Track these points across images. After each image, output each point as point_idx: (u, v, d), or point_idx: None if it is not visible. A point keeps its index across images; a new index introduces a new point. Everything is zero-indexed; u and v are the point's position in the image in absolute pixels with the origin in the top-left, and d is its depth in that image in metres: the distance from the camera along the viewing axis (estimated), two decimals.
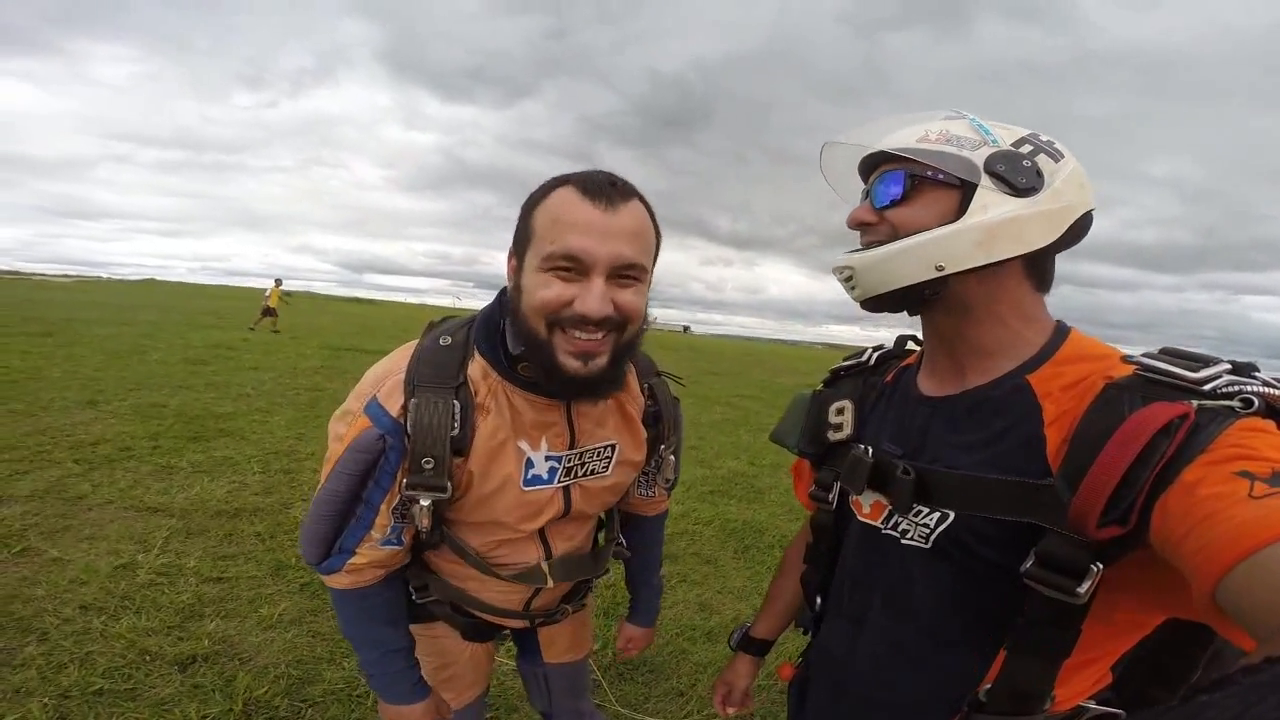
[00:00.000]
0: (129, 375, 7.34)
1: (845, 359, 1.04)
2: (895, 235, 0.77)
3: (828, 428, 0.96)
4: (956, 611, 0.78)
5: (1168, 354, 0.67)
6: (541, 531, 1.12)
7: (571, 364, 0.88)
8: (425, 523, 0.97)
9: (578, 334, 0.86)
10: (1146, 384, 0.64)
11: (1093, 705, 0.76)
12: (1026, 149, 0.74)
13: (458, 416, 0.94)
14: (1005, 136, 0.75)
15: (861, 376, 0.99)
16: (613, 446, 1.11)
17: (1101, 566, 0.62)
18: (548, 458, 1.04)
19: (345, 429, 0.97)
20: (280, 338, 13.21)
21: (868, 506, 0.88)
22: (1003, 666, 0.71)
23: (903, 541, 0.81)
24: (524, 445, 1.01)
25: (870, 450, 0.86)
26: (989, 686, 0.72)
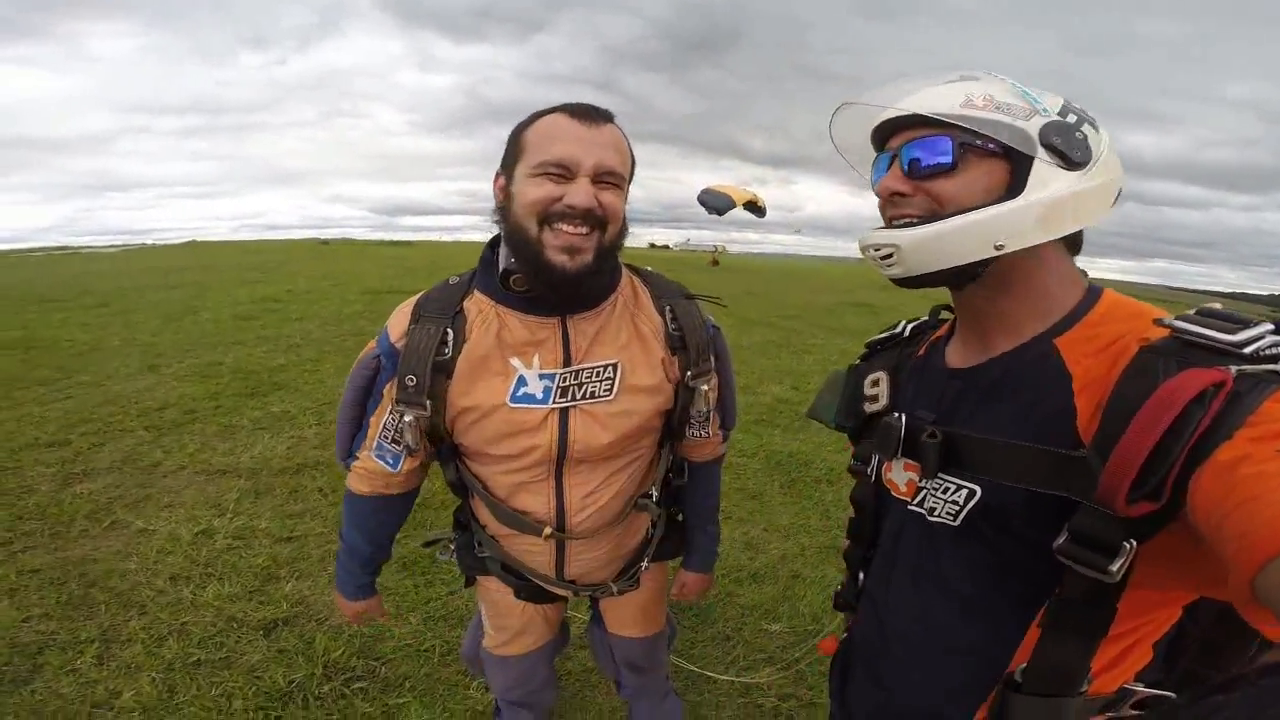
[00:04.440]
0: (183, 337, 7.62)
1: (880, 332, 1.03)
2: (935, 208, 0.73)
3: (864, 400, 0.95)
4: (985, 590, 0.77)
5: (1204, 314, 0.64)
6: (558, 476, 1.14)
7: (559, 258, 0.98)
8: (410, 439, 1.09)
9: (565, 227, 0.97)
10: (1183, 347, 0.61)
11: (1140, 687, 0.75)
12: (1072, 119, 0.72)
13: (450, 343, 1.06)
14: (1051, 103, 0.72)
15: (897, 349, 0.98)
16: (614, 366, 1.10)
17: (1135, 544, 0.60)
18: (541, 375, 1.08)
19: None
20: (322, 285, 13.47)
21: (902, 484, 0.87)
22: (1037, 645, 0.70)
23: (930, 519, 0.80)
24: (516, 362, 1.08)
25: (902, 416, 0.85)
26: (1024, 666, 0.71)
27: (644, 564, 1.33)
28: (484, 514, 1.23)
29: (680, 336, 1.14)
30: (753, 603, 2.66)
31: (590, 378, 1.09)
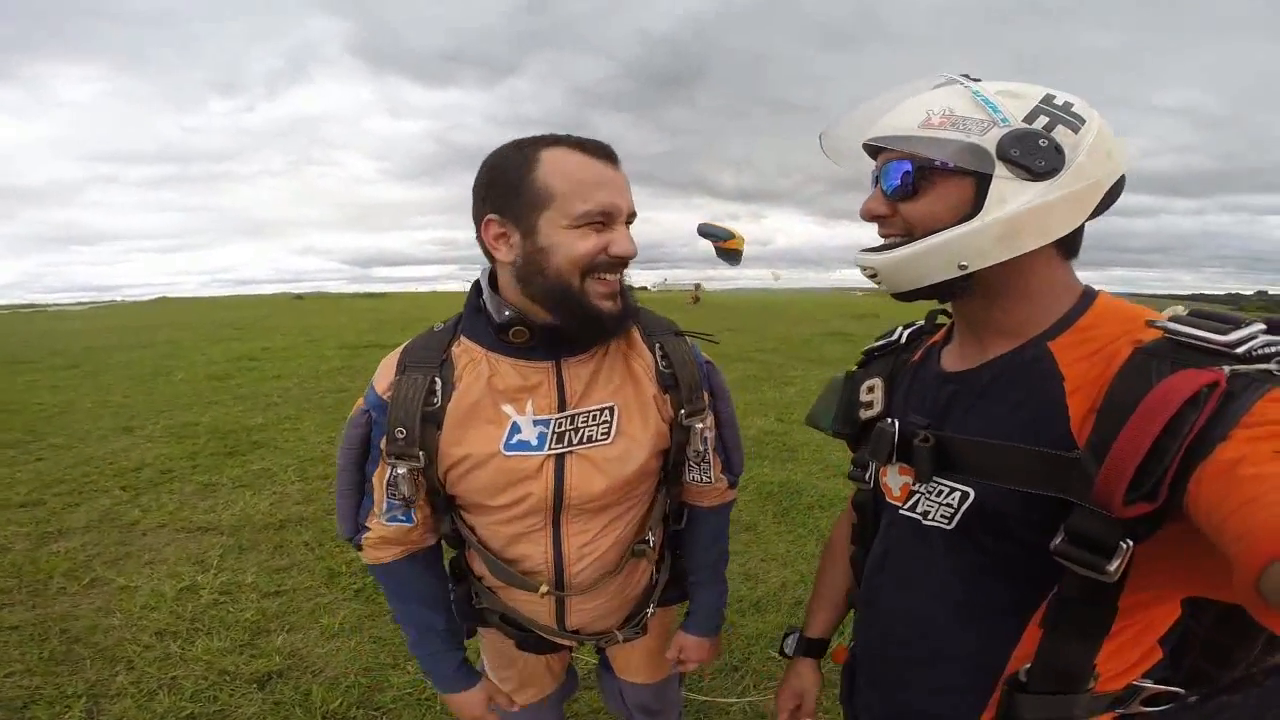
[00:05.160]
0: (157, 398, 7.47)
1: (877, 339, 1.03)
2: (910, 230, 0.75)
3: (859, 407, 0.95)
4: (978, 592, 0.77)
5: (1197, 315, 0.64)
6: (556, 525, 1.10)
7: (607, 305, 0.98)
8: (407, 491, 1.05)
9: (608, 275, 0.97)
10: (1177, 348, 0.61)
11: (1149, 684, 0.75)
12: (1042, 122, 0.69)
13: (438, 392, 1.03)
14: (1016, 109, 0.70)
15: (893, 355, 0.98)
16: (610, 409, 1.06)
17: (1132, 544, 0.60)
18: (535, 422, 1.04)
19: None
20: (298, 342, 13.35)
21: (896, 489, 0.87)
22: (1040, 645, 0.70)
23: (924, 523, 0.81)
24: (509, 409, 1.04)
25: (895, 422, 0.86)
26: (1028, 666, 0.72)
27: (650, 610, 1.28)
28: (479, 566, 1.20)
29: (671, 374, 1.10)
30: (757, 632, 2.64)
31: (586, 422, 1.05)
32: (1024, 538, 0.70)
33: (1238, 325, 0.60)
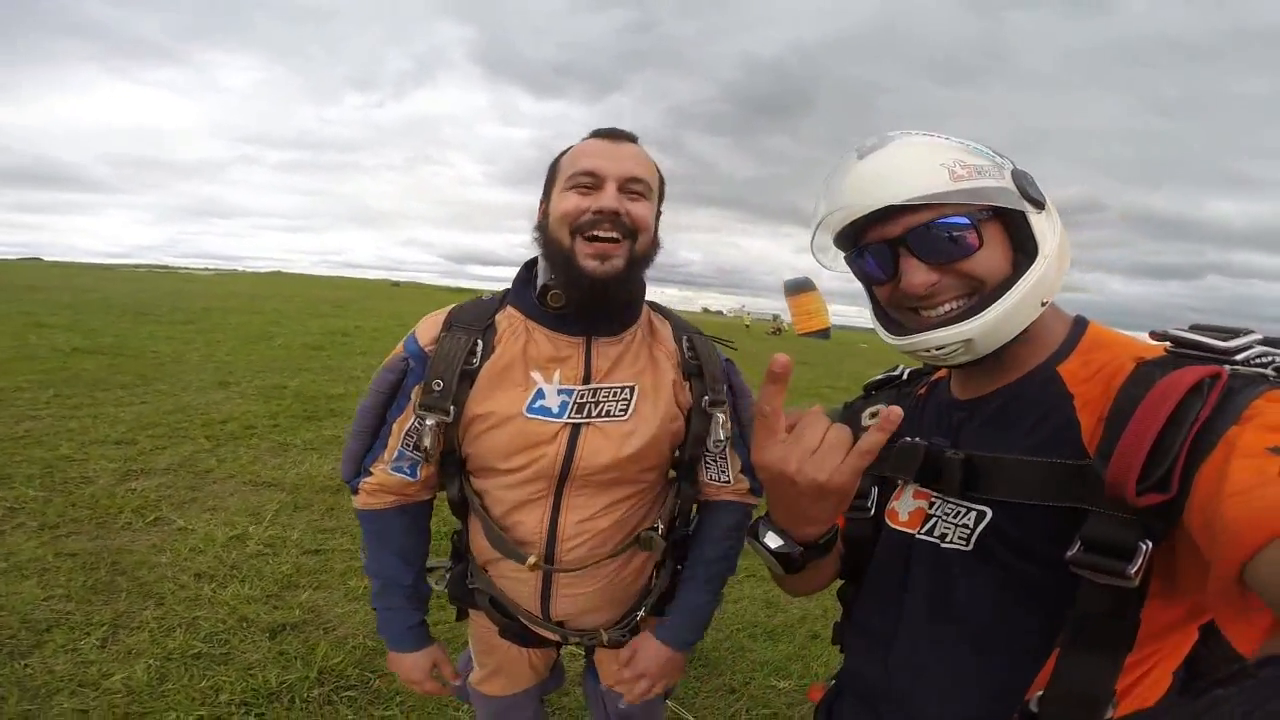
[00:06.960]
0: (256, 359, 8.10)
1: (879, 375, 1.04)
2: (978, 287, 0.73)
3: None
4: (1000, 616, 0.74)
5: (1198, 328, 0.67)
6: (557, 496, 1.12)
7: (590, 264, 1.02)
8: (429, 444, 1.08)
9: (597, 233, 1.02)
10: (1178, 358, 0.64)
11: None
12: (1010, 162, 0.75)
13: (478, 353, 1.09)
14: (989, 150, 0.75)
15: (895, 389, 0.99)
16: (631, 388, 1.13)
17: (1150, 545, 0.59)
18: (560, 390, 1.10)
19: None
20: (389, 324, 14.12)
21: (905, 515, 0.85)
22: (1056, 667, 0.66)
23: (942, 546, 0.78)
24: (537, 375, 1.10)
25: (917, 440, 0.83)
26: (1040, 693, 0.67)
27: (640, 613, 1.24)
28: (477, 538, 1.22)
29: (697, 364, 1.17)
30: (765, 659, 2.56)
31: (607, 397, 1.11)
32: (1042, 554, 0.69)
33: (1237, 334, 0.64)
